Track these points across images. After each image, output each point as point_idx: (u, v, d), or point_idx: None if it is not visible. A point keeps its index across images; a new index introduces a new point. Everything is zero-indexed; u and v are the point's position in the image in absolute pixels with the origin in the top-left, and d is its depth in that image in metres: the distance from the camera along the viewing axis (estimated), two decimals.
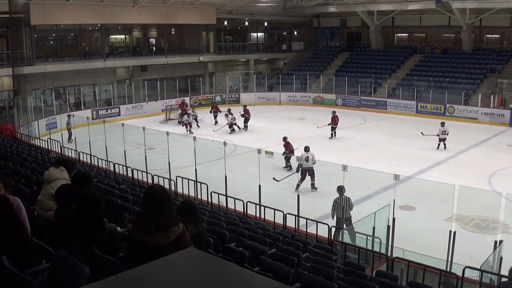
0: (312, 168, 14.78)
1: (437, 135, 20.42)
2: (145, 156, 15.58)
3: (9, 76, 25.64)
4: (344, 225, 10.56)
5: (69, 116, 22.38)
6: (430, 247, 9.38)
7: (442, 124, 20.54)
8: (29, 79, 26.92)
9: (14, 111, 23.30)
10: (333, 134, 23.12)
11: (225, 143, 14.75)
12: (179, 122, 26.70)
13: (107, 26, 30.86)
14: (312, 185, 14.81)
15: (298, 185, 14.34)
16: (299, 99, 34.69)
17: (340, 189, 10.94)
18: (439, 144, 20.42)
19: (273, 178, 14.63)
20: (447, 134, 20.28)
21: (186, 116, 25.15)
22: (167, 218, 3.33)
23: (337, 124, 23.01)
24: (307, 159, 14.67)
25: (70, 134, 21.60)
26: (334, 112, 23.41)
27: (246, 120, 25.35)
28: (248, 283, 2.22)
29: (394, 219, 9.77)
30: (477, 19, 31.81)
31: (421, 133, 21.64)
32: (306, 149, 15.13)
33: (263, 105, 33.81)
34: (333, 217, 10.59)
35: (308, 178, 14.76)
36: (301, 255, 6.38)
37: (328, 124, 23.10)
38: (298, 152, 15.59)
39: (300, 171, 14.50)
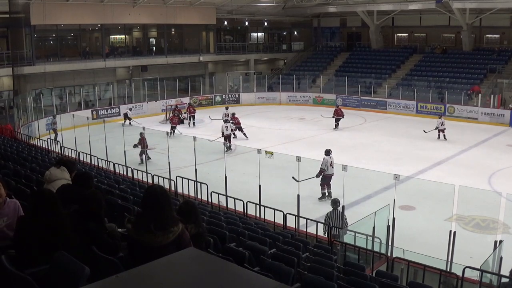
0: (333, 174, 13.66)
1: (436, 127, 22.13)
2: (145, 156, 15.58)
3: (9, 76, 25.64)
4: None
5: (54, 116, 22.75)
6: (430, 247, 9.37)
7: (440, 116, 22.92)
8: (29, 79, 26.92)
9: (14, 111, 23.32)
10: (336, 126, 25.06)
11: (225, 143, 14.76)
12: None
13: (107, 26, 30.85)
14: (330, 193, 13.59)
15: (323, 194, 13.66)
16: (299, 99, 34.69)
17: (335, 203, 10.30)
18: (439, 135, 22.12)
19: (293, 177, 12.90)
20: (444, 125, 22.09)
21: (225, 125, 20.86)
22: (166, 218, 3.34)
23: (340, 116, 25.05)
24: (332, 164, 13.59)
25: (56, 134, 21.53)
26: (337, 106, 26.73)
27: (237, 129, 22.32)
28: (248, 283, 2.22)
29: (394, 219, 9.76)
30: (477, 19, 31.80)
31: (423, 131, 22.23)
32: (328, 152, 13.77)
33: (263, 105, 33.82)
34: (325, 233, 9.78)
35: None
36: (301, 255, 6.37)
37: (333, 117, 25.04)
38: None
39: (321, 177, 13.61)
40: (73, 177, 5.39)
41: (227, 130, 20.43)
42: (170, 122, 24.27)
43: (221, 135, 20.21)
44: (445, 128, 21.99)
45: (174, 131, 22.46)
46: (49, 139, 17.88)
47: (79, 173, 5.62)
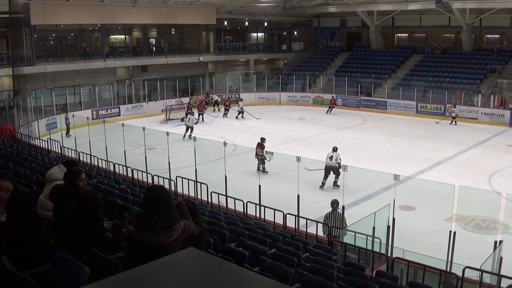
0: (336, 167, 14.92)
1: (450, 113, 26.67)
2: (145, 156, 15.58)
3: (9, 76, 25.62)
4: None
5: (66, 112, 23.68)
6: (430, 247, 9.37)
7: (455, 105, 26.81)
8: (29, 79, 26.90)
9: (14, 111, 23.30)
10: (329, 111, 30.16)
11: (225, 143, 14.76)
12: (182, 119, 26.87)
13: (107, 26, 30.83)
14: (335, 182, 15.04)
15: (323, 183, 14.92)
16: (299, 99, 34.69)
17: (333, 204, 10.31)
18: (453, 121, 26.17)
19: (305, 168, 13.65)
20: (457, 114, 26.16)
21: (189, 117, 22.83)
22: (169, 217, 3.36)
23: (333, 104, 30.63)
24: (331, 157, 15.12)
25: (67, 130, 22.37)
26: (333, 97, 30.92)
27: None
28: (248, 283, 2.22)
29: (394, 219, 9.76)
30: (477, 19, 31.80)
31: (436, 122, 25.77)
32: (334, 149, 15.45)
33: (263, 105, 33.81)
34: (324, 233, 9.82)
35: (332, 176, 15.14)
36: (301, 255, 6.37)
37: (329, 107, 30.46)
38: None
39: (324, 168, 14.95)
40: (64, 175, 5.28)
41: (189, 121, 22.41)
42: (197, 109, 27.49)
43: (180, 119, 23.32)
44: (457, 115, 26.38)
45: (203, 117, 27.01)
46: (49, 139, 17.84)
47: (67, 171, 5.47)
